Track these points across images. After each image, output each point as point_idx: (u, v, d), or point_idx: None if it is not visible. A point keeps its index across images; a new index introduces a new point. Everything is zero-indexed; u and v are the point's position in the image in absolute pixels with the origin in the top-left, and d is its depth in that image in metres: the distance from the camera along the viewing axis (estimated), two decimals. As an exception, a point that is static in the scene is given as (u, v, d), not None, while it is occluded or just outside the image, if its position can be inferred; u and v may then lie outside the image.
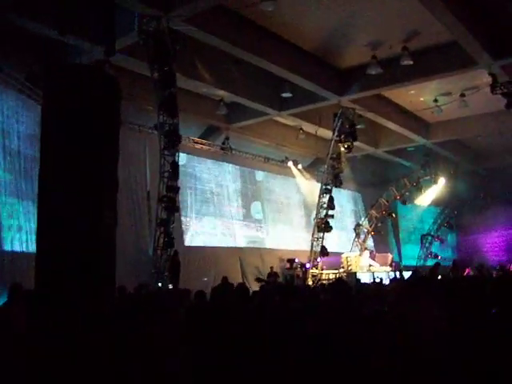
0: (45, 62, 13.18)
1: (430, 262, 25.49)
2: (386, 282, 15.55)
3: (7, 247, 13.68)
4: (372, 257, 24.05)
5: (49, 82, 10.61)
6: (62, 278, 9.05)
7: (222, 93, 19.01)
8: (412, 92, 20.37)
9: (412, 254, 29.47)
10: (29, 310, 6.42)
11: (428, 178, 27.14)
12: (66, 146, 9.73)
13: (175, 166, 15.58)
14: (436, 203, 29.39)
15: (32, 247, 12.81)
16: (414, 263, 27.03)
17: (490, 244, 30.14)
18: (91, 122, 9.94)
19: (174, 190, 15.69)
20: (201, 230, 21.29)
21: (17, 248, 13.92)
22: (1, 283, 12.03)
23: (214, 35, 14.64)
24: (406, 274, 19.31)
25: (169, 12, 13.27)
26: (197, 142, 21.44)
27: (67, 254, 9.21)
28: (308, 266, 21.79)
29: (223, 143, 22.42)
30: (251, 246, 23.09)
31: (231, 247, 22.06)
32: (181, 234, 19.13)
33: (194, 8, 13.16)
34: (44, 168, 9.87)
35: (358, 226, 26.17)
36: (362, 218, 27.63)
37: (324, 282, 19.73)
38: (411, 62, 16.48)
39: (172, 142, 15.42)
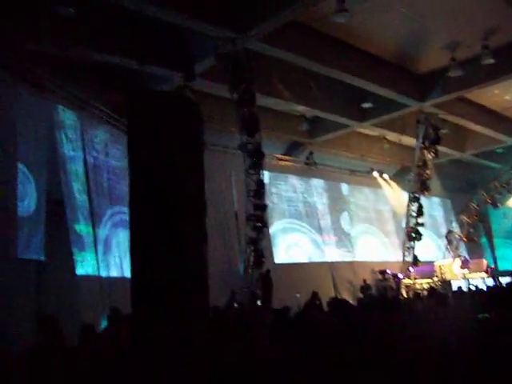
0: (128, 93, 13.63)
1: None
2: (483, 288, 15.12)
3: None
4: (466, 264, 23.47)
5: (132, 111, 10.98)
6: (157, 300, 9.29)
7: (302, 108, 19.08)
8: (496, 91, 19.88)
9: (508, 259, 28.53)
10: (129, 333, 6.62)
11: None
12: (153, 172, 10.04)
13: (261, 184, 15.71)
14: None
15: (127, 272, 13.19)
16: (510, 268, 26.12)
17: None
18: (176, 147, 10.21)
19: (262, 208, 15.81)
20: (290, 247, 21.34)
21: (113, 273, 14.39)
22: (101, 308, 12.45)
23: (289, 51, 14.74)
24: (503, 280, 18.86)
25: (243, 33, 13.40)
26: (281, 159, 21.57)
27: (160, 277, 9.46)
28: (401, 276, 21.47)
29: (307, 158, 22.46)
30: (342, 259, 22.96)
31: (322, 262, 21.99)
32: (270, 251, 19.22)
33: (267, 26, 13.26)
34: (133, 195, 10.19)
35: (449, 232, 25.62)
36: (453, 225, 27.04)
37: (418, 291, 19.45)
38: (492, 61, 16.09)
39: (256, 161, 15.56)
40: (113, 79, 15.20)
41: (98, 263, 13.96)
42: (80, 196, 13.90)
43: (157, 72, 14.96)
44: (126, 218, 10.41)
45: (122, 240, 14.52)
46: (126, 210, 10.15)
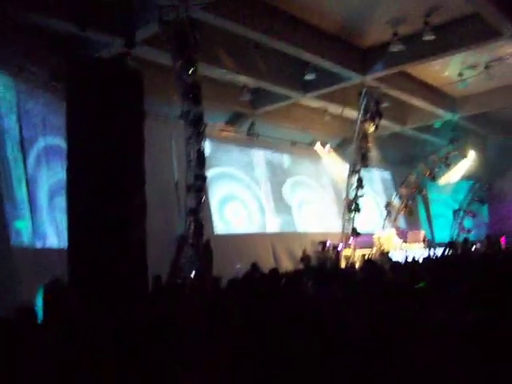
0: (66, 58, 13.27)
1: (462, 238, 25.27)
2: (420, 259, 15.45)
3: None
4: (404, 235, 23.96)
5: (71, 79, 10.74)
6: (95, 269, 9.19)
7: (245, 79, 18.95)
8: (436, 67, 20.16)
9: (444, 231, 29.25)
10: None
11: (457, 153, 26.92)
12: (92, 140, 9.86)
13: (201, 154, 15.59)
14: (466, 178, 29.09)
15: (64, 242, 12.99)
16: (446, 239, 26.77)
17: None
18: (115, 115, 10.05)
19: (202, 178, 15.72)
20: (231, 218, 21.37)
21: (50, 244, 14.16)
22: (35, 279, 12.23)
23: (233, 21, 14.57)
24: (440, 251, 19.30)
25: (187, 1, 13.20)
26: (222, 130, 21.46)
27: (98, 245, 9.35)
28: (340, 247, 21.76)
29: (249, 129, 22.39)
30: (282, 230, 23.11)
31: (262, 233, 22.10)
32: (210, 222, 19.19)
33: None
34: (71, 162, 9.99)
35: (388, 204, 26.09)
36: (393, 197, 27.49)
37: (357, 261, 19.79)
38: (433, 37, 16.30)
39: (197, 131, 15.41)
40: (51, 44, 14.80)
41: (33, 233, 13.73)
42: (15, 165, 13.60)
43: (97, 37, 14.60)
44: (64, 188, 10.22)
45: (59, 210, 14.26)
46: (64, 180, 9.94)
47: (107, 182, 9.70)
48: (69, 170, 10.16)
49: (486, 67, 19.68)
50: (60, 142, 14.03)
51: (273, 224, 22.92)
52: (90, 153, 9.88)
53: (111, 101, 10.14)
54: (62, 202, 14.36)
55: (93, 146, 9.96)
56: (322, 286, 7.66)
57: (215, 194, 20.56)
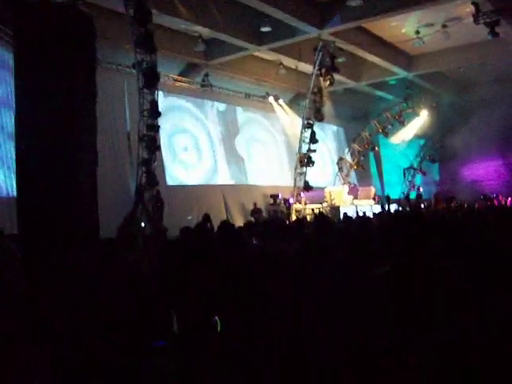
0: (14, 4, 12.75)
1: (414, 195, 25.69)
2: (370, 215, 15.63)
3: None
4: (355, 190, 24.17)
5: (19, 22, 10.36)
6: (45, 220, 9.03)
7: (200, 29, 18.61)
8: (393, 24, 20.09)
9: (395, 188, 29.62)
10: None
11: (410, 110, 27.09)
12: (42, 87, 9.58)
13: (154, 104, 15.37)
14: (419, 136, 29.40)
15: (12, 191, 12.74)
16: (396, 196, 27.15)
17: (479, 175, 30.29)
18: (66, 62, 9.77)
19: (155, 128, 15.53)
20: (183, 169, 21.23)
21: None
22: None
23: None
24: (392, 208, 19.59)
25: None
26: (176, 80, 21.14)
27: (48, 196, 9.17)
28: (291, 201, 21.87)
29: (203, 80, 22.10)
30: (234, 183, 23.09)
31: (214, 185, 22.05)
32: (162, 173, 19.04)
33: None
34: (19, 111, 9.72)
35: (340, 160, 26.23)
36: (345, 152, 27.65)
37: (307, 215, 19.94)
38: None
39: (150, 80, 15.14)
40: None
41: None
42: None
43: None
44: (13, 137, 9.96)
45: (6, 156, 13.93)
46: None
47: (58, 131, 9.50)
48: (17, 119, 9.92)
49: (444, 26, 19.72)
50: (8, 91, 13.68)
51: (225, 176, 22.86)
52: (39, 102, 9.63)
53: (61, 47, 9.85)
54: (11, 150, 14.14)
55: (42, 95, 9.71)
56: (269, 239, 7.66)
57: (167, 145, 20.35)
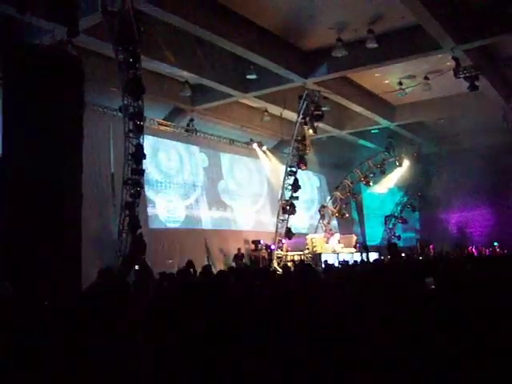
0: (3, 42, 12.87)
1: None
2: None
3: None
4: (336, 238, 24.31)
5: (9, 63, 10.44)
6: (28, 259, 8.95)
7: (186, 74, 18.83)
8: (377, 74, 20.49)
9: (376, 236, 29.81)
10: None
11: (392, 160, 27.42)
12: (28, 126, 9.62)
13: (140, 148, 15.42)
14: (400, 185, 29.77)
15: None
16: (377, 244, 27.32)
17: (462, 222, 30.64)
18: (54, 104, 9.83)
19: (139, 172, 15.57)
20: (165, 213, 21.19)
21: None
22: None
23: (177, 15, 14.41)
24: (371, 256, 19.69)
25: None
26: (161, 124, 21.25)
27: (32, 235, 9.12)
28: (273, 247, 21.86)
29: (188, 125, 22.24)
30: (217, 227, 23.06)
31: (196, 229, 21.98)
32: (145, 216, 19.00)
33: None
34: (5, 148, 9.70)
35: (322, 207, 26.35)
36: (327, 200, 27.79)
37: (289, 263, 19.92)
38: (376, 45, 16.57)
39: (136, 125, 15.25)
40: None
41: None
42: None
43: (38, 23, 14.11)
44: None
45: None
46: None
47: (43, 171, 9.49)
48: (2, 158, 9.90)
49: (426, 78, 20.17)
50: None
51: (207, 220, 22.83)
52: (25, 143, 9.65)
53: (50, 89, 9.93)
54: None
55: (28, 135, 9.74)
56: (245, 283, 7.66)
57: (151, 189, 20.35)
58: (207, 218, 22.86)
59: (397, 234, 29.52)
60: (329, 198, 28.05)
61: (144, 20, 14.04)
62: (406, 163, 27.88)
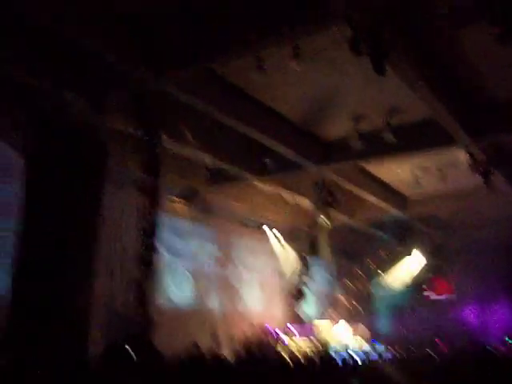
0: (29, 115, 13.01)
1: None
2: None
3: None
4: (345, 327, 24.03)
5: (33, 138, 10.69)
6: (36, 335, 8.93)
7: (203, 156, 19.07)
8: (391, 166, 20.66)
9: (385, 325, 29.41)
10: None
11: (403, 249, 27.36)
12: (47, 200, 9.77)
13: (153, 225, 15.48)
14: (410, 275, 29.56)
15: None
16: (386, 335, 26.95)
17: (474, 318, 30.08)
18: (75, 180, 10.02)
19: (152, 249, 15.58)
20: (174, 291, 21.09)
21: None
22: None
23: (201, 99, 14.76)
24: (379, 348, 19.45)
25: (160, 74, 13.29)
26: (174, 202, 21.38)
27: (41, 310, 9.13)
28: (280, 332, 21.63)
29: (200, 205, 22.38)
30: (224, 309, 22.88)
31: (202, 310, 21.83)
32: (155, 292, 18.89)
33: (185, 72, 13.39)
34: (26, 223, 9.84)
35: (331, 295, 26.17)
36: (337, 288, 27.60)
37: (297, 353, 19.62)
38: (392, 138, 16.73)
39: (152, 202, 15.36)
40: (13, 95, 14.54)
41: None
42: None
43: (64, 95, 14.42)
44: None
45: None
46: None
47: (59, 243, 9.59)
48: (23, 233, 10.01)
49: (439, 170, 20.27)
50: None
51: (215, 302, 22.67)
52: (43, 215, 9.78)
53: (72, 162, 10.12)
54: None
55: (47, 207, 9.87)
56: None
57: (160, 266, 20.28)
58: (215, 300, 22.70)
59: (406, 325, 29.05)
60: (338, 286, 27.87)
61: (165, 101, 14.31)
62: (417, 253, 27.80)
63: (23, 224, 9.82)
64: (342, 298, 26.44)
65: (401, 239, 26.66)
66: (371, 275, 27.90)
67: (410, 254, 27.55)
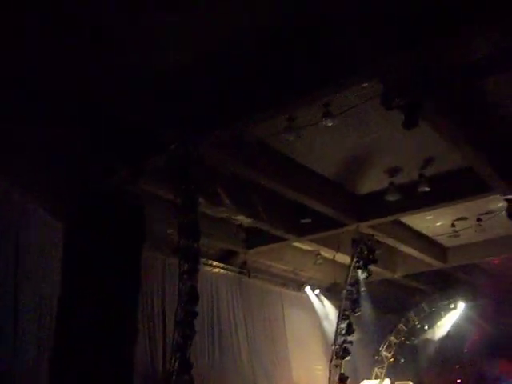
0: (70, 185, 13.11)
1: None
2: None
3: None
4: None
5: (72, 206, 10.88)
6: None
7: (240, 217, 19.13)
8: (428, 217, 20.49)
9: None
10: None
11: (446, 302, 26.91)
12: (88, 272, 9.88)
13: (194, 290, 15.42)
14: (456, 327, 28.92)
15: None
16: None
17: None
18: (115, 248, 10.12)
19: (193, 314, 15.49)
20: (215, 354, 20.88)
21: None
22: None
23: (238, 162, 14.92)
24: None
25: (197, 138, 13.41)
26: (215, 266, 21.38)
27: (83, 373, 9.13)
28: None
29: (240, 267, 22.36)
30: (266, 372, 22.55)
31: (246, 372, 21.54)
32: (194, 358, 18.75)
33: (222, 136, 13.49)
34: (64, 293, 9.94)
35: (376, 352, 25.70)
36: (381, 345, 27.09)
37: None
38: (428, 189, 16.64)
39: (192, 267, 15.34)
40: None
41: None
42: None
43: (104, 162, 14.47)
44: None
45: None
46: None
47: (99, 312, 9.64)
48: (62, 298, 10.11)
49: (477, 220, 20.07)
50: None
51: (258, 364, 22.35)
52: (86, 284, 9.86)
53: (111, 231, 10.24)
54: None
55: (89, 277, 9.96)
56: None
57: (202, 330, 20.17)
58: (258, 364, 22.35)
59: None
60: (383, 342, 27.36)
61: (204, 164, 14.41)
62: (462, 305, 27.29)
63: (62, 290, 9.91)
64: (387, 354, 25.92)
65: (443, 291, 26.25)
66: (416, 330, 27.39)
67: (455, 307, 27.07)
